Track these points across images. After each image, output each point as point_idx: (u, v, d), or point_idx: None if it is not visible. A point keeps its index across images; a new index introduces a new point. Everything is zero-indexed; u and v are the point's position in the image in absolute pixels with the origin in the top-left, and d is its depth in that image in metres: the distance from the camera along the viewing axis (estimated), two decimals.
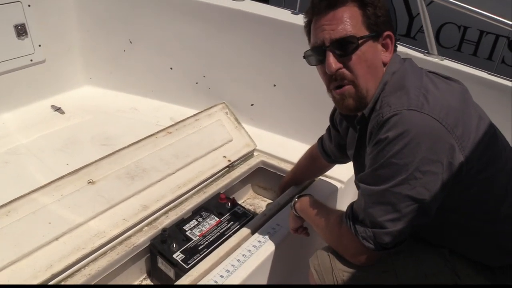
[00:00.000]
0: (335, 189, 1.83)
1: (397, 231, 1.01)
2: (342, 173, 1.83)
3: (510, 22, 1.61)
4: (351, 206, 1.10)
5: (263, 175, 2.07)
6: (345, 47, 1.08)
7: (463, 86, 1.14)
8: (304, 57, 1.18)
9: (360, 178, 1.08)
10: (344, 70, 1.10)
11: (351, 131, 1.33)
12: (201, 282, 1.34)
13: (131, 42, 2.36)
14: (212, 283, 1.34)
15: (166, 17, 2.26)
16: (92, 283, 1.38)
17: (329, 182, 1.85)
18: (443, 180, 0.99)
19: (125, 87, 2.46)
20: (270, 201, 2.08)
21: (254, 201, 2.12)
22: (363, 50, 1.09)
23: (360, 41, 1.08)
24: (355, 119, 1.19)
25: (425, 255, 1.15)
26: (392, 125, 0.99)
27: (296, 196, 1.40)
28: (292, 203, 1.39)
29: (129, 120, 2.26)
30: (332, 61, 1.09)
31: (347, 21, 1.08)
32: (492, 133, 1.09)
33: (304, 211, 1.33)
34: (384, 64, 1.13)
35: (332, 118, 1.48)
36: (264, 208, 2.03)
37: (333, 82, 1.13)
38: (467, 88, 1.14)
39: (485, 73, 1.74)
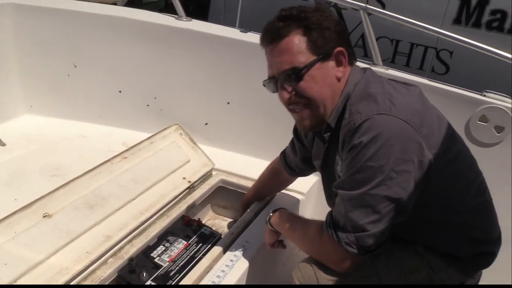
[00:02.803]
0: (297, 201, 1.86)
1: (379, 232, 1.04)
2: (302, 186, 1.87)
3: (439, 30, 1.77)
4: (330, 214, 1.12)
5: (222, 194, 2.05)
6: (291, 77, 1.14)
7: (419, 89, 1.22)
8: (264, 85, 1.23)
9: (337, 185, 1.11)
10: (297, 97, 1.16)
11: (317, 141, 1.36)
12: None
13: (75, 66, 2.27)
14: None
15: (112, 39, 2.20)
16: None
17: (290, 195, 1.87)
18: (415, 178, 1.05)
19: (70, 114, 2.34)
20: (231, 220, 2.06)
21: (215, 221, 2.09)
22: (312, 74, 1.14)
23: (305, 70, 1.12)
24: (321, 130, 1.23)
25: (402, 254, 1.19)
26: (365, 130, 1.04)
27: (271, 211, 1.40)
28: (267, 218, 1.39)
29: (78, 148, 2.15)
30: (283, 93, 1.17)
31: (292, 51, 1.13)
32: (451, 132, 1.17)
33: (280, 225, 1.33)
34: (339, 79, 1.17)
35: (296, 131, 1.51)
36: (225, 228, 2.02)
37: (290, 106, 1.20)
38: (422, 90, 1.22)
39: (426, 79, 1.88)
